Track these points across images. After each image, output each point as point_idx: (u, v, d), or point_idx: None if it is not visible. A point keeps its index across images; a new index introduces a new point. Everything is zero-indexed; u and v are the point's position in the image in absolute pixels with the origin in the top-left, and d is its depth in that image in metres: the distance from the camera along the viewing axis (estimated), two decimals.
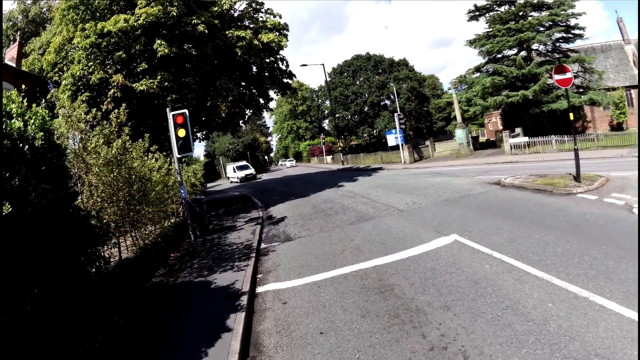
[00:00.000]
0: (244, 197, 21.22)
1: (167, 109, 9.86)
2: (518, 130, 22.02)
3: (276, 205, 15.51)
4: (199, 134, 22.21)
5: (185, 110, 9.71)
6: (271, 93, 19.55)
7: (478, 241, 6.49)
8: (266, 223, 11.85)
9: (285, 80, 19.10)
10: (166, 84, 13.73)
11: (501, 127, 40.94)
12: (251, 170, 38.64)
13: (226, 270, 6.98)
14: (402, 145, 26.92)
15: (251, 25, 17.66)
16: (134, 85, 13.63)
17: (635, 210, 6.99)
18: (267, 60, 17.44)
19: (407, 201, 11.14)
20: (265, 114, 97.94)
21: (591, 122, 31.37)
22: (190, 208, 10.09)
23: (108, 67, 14.14)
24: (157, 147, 9.54)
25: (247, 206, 16.47)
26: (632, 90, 31.56)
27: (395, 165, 26.51)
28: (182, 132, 9.45)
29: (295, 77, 19.58)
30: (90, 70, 13.74)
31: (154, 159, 9.21)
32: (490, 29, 28.00)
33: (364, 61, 53.00)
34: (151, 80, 13.63)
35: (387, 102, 58.03)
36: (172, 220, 11.21)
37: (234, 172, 39.02)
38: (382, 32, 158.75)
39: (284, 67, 19.01)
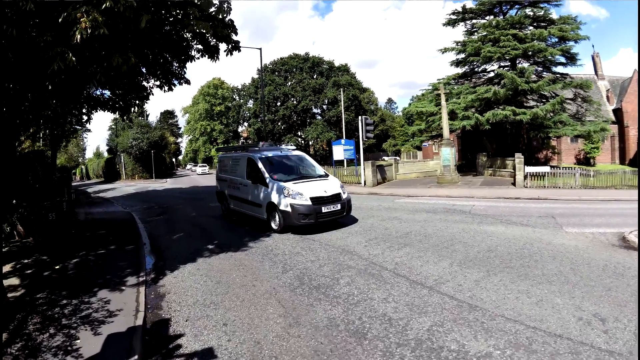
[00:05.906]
0: (127, 224, 12.32)
1: None
2: (519, 156, 17.25)
3: (180, 268, 7.11)
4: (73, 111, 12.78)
5: None
6: (194, 52, 11.49)
7: None
8: None
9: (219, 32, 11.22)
10: None
11: (455, 153, 37.46)
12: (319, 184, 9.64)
13: None
14: (362, 161, 20.28)
15: None
16: None
17: None
18: None
19: (582, 321, 4.37)
20: (179, 113, 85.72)
21: (557, 155, 29.01)
22: None
23: None
24: None
25: (124, 254, 8.03)
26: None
27: (354, 187, 19.55)
28: None
29: (237, 33, 11.80)
30: None
31: None
32: (484, 34, 23.29)
33: (300, 61, 46.60)
34: None
35: (317, 110, 52.30)
36: None
37: (229, 171, 11.71)
38: (309, 47, 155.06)
39: (221, 16, 11.16)
